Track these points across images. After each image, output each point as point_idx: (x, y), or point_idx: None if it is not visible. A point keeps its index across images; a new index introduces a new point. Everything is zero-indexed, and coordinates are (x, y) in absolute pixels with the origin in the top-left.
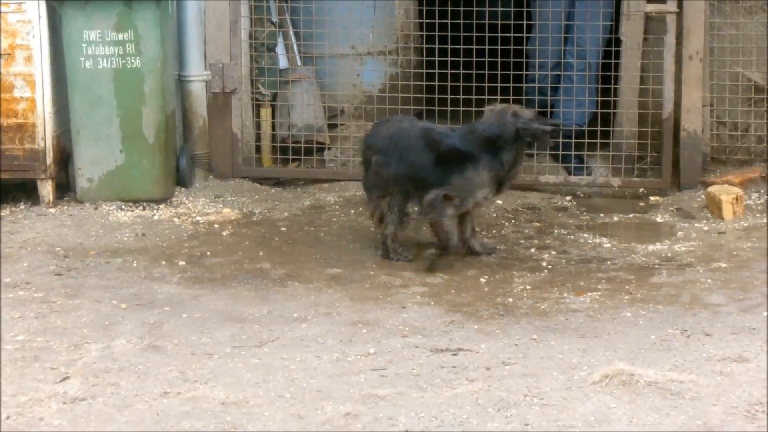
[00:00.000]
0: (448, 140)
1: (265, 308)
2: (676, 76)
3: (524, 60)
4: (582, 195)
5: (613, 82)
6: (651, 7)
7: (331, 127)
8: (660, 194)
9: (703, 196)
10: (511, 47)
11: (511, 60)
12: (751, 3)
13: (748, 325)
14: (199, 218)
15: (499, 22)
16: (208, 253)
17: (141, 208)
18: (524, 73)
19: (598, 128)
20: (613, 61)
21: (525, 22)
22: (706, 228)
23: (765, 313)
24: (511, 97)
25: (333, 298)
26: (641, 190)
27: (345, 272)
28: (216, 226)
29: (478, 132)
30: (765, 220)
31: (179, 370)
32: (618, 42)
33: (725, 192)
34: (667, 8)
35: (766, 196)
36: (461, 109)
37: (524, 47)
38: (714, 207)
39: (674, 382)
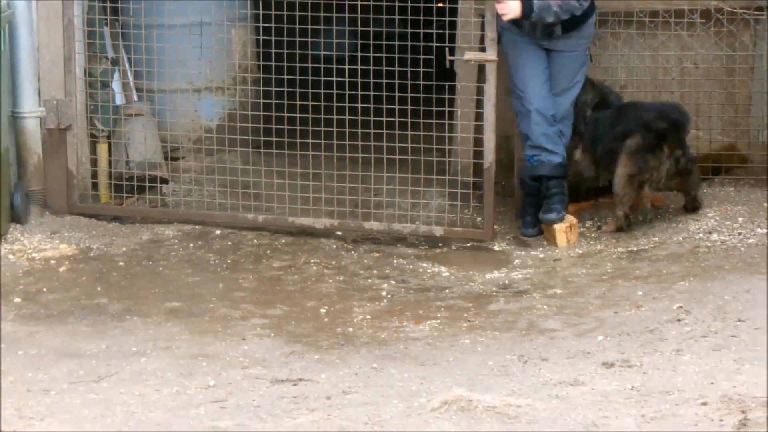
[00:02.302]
0: None
1: (102, 343)
2: (509, 110)
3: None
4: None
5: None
6: (470, 55)
7: (173, 160)
8: (480, 244)
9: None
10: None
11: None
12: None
13: (582, 349)
14: (35, 254)
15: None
16: (45, 290)
17: None
18: (359, 105)
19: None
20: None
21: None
22: (541, 255)
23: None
24: (354, 129)
25: (172, 331)
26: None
27: (184, 305)
28: (52, 262)
29: None
30: (598, 247)
31: (15, 408)
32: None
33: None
34: (485, 56)
35: (598, 224)
36: (298, 141)
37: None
38: (549, 235)
39: (512, 407)
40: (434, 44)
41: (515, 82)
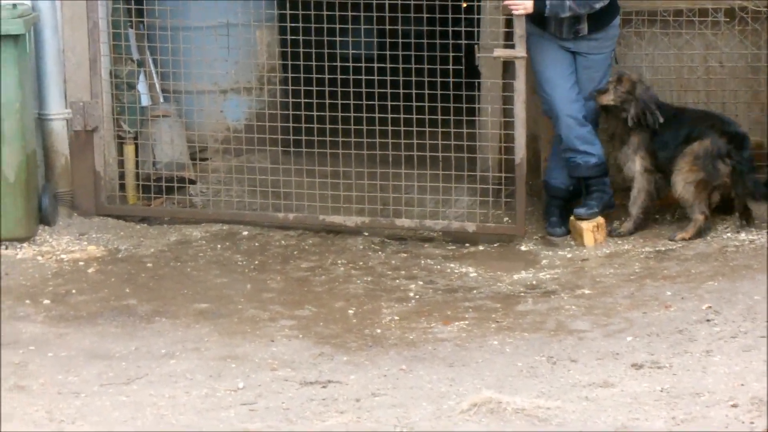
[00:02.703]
0: None
1: (132, 345)
2: (534, 110)
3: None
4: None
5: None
6: (499, 52)
7: (200, 161)
8: (514, 240)
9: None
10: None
11: (376, 90)
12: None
13: (612, 350)
14: (63, 256)
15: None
16: (74, 291)
17: (4, 247)
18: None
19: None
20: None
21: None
22: (569, 255)
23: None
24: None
25: (201, 333)
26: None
27: (212, 307)
28: (81, 263)
29: None
30: (625, 247)
31: (45, 410)
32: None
33: (586, 220)
34: (514, 53)
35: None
36: (328, 139)
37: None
38: (576, 234)
39: (541, 409)
40: (463, 41)
41: (542, 86)
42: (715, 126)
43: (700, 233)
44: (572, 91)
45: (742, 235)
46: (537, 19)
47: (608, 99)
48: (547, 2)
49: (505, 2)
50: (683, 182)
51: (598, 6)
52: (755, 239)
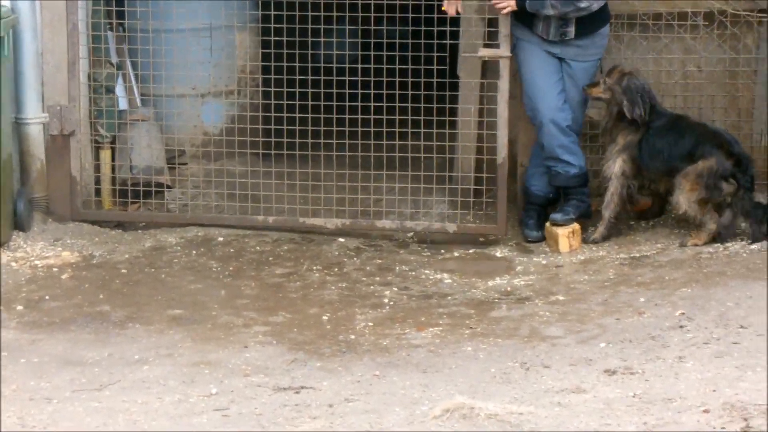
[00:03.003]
0: None
1: (105, 351)
2: (512, 114)
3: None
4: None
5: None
6: (484, 52)
7: (175, 167)
8: (490, 246)
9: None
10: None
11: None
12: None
13: (585, 356)
14: (37, 262)
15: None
16: (47, 297)
17: None
18: (371, 117)
19: (434, 172)
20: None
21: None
22: (544, 262)
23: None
24: (360, 129)
25: (174, 339)
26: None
27: (186, 313)
28: (55, 269)
29: None
30: (600, 253)
31: (17, 416)
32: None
33: (561, 226)
34: (500, 53)
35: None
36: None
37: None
38: (551, 240)
39: (514, 415)
40: (448, 41)
41: (528, 92)
42: (722, 146)
43: (713, 239)
44: (559, 99)
45: (716, 242)
46: (525, 18)
47: (598, 91)
48: None
49: (493, 1)
50: (687, 201)
51: (583, 5)
52: (729, 246)
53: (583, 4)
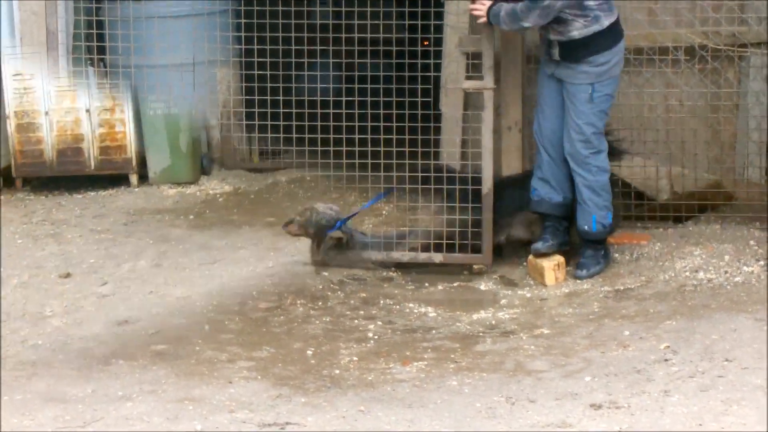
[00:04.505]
0: None
1: (88, 387)
2: (496, 146)
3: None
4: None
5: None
6: (468, 84)
7: None
8: (479, 272)
9: (525, 262)
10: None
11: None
12: None
13: (570, 390)
14: (210, 191)
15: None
16: (207, 211)
17: (181, 187)
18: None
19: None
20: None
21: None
22: (528, 295)
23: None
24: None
25: (158, 375)
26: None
27: (170, 348)
28: (218, 196)
29: None
30: (584, 286)
31: None
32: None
33: (547, 258)
34: (484, 84)
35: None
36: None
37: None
38: (536, 273)
39: None
40: (432, 74)
41: (535, 112)
42: None
43: None
44: (556, 123)
45: (701, 275)
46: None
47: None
48: (491, 11)
49: (470, 6)
50: None
51: (526, 25)
52: (713, 278)
53: (526, 24)
